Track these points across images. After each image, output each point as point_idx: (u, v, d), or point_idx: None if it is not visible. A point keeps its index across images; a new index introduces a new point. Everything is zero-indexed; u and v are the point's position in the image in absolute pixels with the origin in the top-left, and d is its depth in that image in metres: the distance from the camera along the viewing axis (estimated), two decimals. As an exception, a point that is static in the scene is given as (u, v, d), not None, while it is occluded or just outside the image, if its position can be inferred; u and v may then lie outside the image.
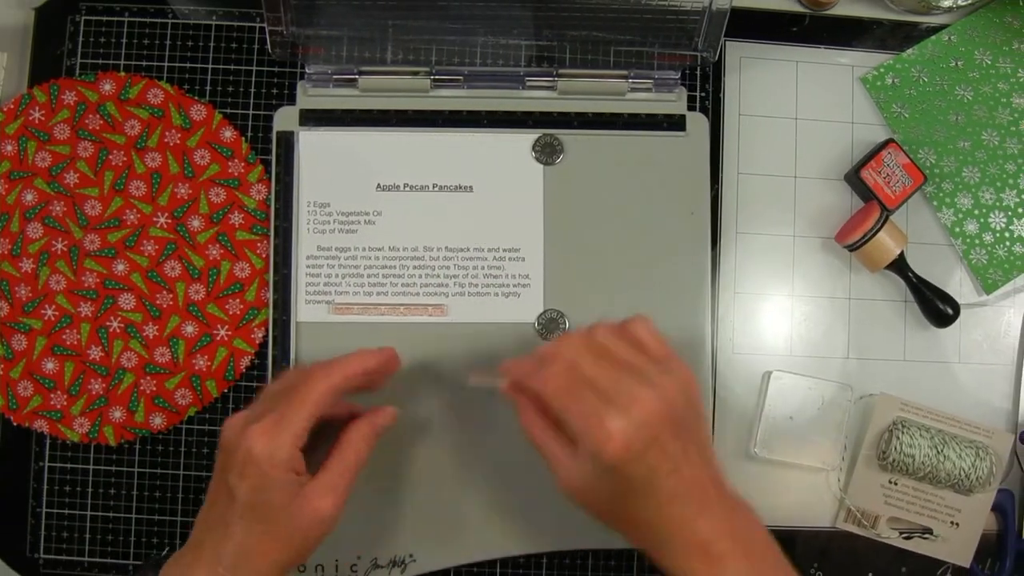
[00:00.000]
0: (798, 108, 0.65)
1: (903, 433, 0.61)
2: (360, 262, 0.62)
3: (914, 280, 0.63)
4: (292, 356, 0.61)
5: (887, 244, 0.61)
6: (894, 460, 0.61)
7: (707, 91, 0.65)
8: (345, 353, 0.54)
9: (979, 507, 0.62)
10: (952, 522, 0.62)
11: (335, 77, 0.62)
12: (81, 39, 0.64)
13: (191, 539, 0.50)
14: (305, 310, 0.61)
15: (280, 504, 0.49)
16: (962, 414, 0.63)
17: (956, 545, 0.62)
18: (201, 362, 0.61)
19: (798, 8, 0.66)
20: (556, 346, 0.51)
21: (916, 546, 0.62)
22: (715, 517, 0.49)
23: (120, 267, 0.62)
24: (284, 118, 0.62)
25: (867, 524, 0.62)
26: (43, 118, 0.62)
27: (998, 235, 0.65)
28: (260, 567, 0.49)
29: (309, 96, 0.62)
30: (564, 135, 0.62)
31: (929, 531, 0.62)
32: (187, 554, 0.50)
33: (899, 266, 0.62)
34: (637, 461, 0.47)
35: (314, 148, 0.62)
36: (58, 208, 0.62)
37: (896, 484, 0.62)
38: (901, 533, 0.62)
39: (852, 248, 0.62)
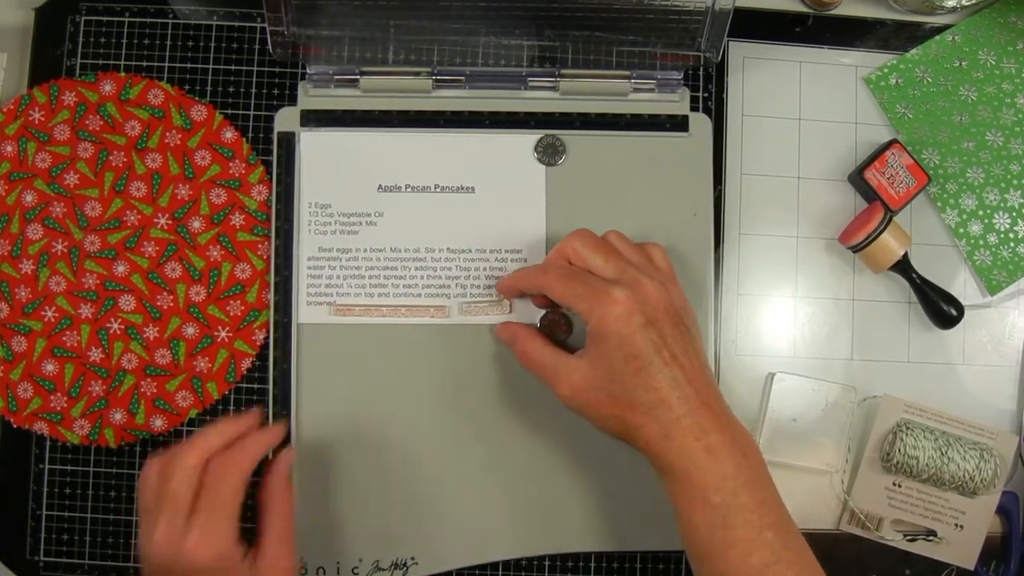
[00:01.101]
0: (801, 108, 0.65)
1: (907, 435, 0.61)
2: (361, 263, 0.61)
3: (918, 281, 0.62)
4: (293, 357, 0.60)
5: (891, 245, 0.61)
6: (898, 462, 0.61)
7: (710, 91, 0.65)
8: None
9: (984, 509, 0.62)
10: (956, 524, 0.62)
11: (336, 77, 0.62)
12: (81, 39, 0.63)
13: None
14: (306, 311, 0.61)
15: None
16: (966, 416, 0.63)
17: (960, 548, 0.62)
18: (202, 364, 0.61)
19: (801, 8, 0.66)
20: (563, 241, 0.55)
21: (920, 548, 0.62)
22: (714, 413, 0.50)
23: (120, 268, 0.62)
24: (285, 119, 0.62)
25: (871, 526, 0.62)
26: (43, 119, 0.62)
27: (1002, 236, 0.64)
28: None
29: (310, 96, 0.62)
30: (566, 136, 0.62)
31: (933, 533, 0.62)
32: None
33: (903, 267, 0.62)
34: (640, 332, 0.50)
35: (315, 149, 0.62)
36: (58, 209, 0.62)
37: (900, 486, 0.62)
38: (905, 535, 0.62)
39: (856, 249, 0.62)
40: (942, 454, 0.60)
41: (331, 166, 0.62)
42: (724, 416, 0.51)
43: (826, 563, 0.62)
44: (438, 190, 0.62)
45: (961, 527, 0.62)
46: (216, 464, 0.53)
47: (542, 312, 0.61)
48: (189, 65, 0.63)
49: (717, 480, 0.49)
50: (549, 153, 0.62)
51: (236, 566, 0.52)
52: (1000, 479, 0.61)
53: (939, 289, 0.63)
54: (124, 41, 0.64)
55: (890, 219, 0.61)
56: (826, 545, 0.63)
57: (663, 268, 0.56)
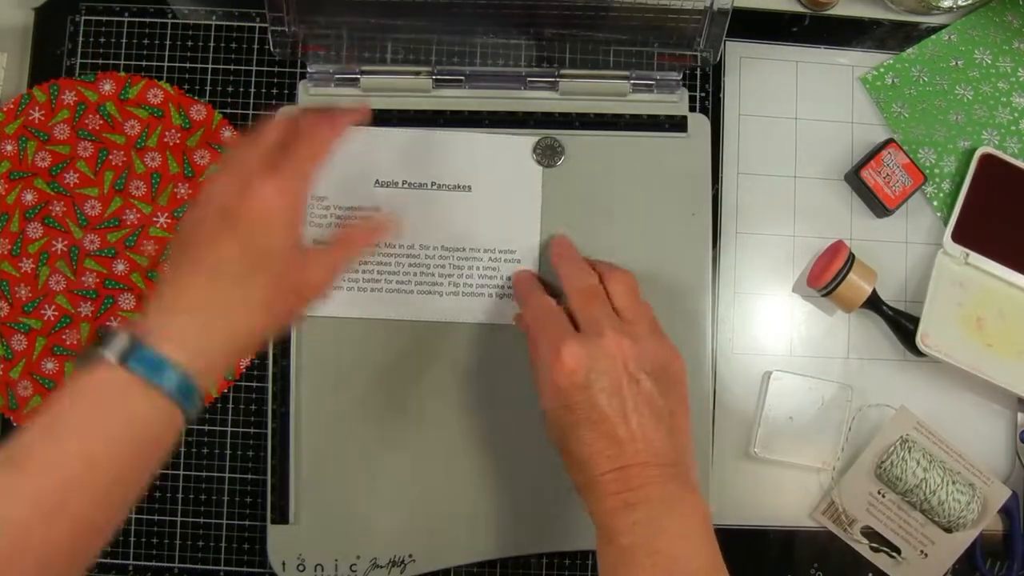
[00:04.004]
0: (798, 108, 0.65)
1: (907, 453, 0.61)
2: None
3: (890, 314, 0.63)
4: (292, 353, 0.61)
5: (859, 284, 0.61)
6: (889, 475, 0.61)
7: (707, 91, 0.65)
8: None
9: (954, 544, 0.62)
10: (922, 551, 0.62)
11: (337, 76, 0.62)
12: (81, 39, 0.63)
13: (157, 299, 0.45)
14: (304, 309, 0.61)
15: (286, 266, 0.47)
16: (968, 449, 0.62)
17: (918, 574, 0.62)
18: (201, 362, 0.61)
19: (798, 8, 0.66)
20: (564, 268, 0.56)
21: (880, 561, 0.62)
22: (646, 472, 0.48)
23: (120, 267, 0.62)
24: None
25: (844, 523, 0.62)
26: (43, 118, 0.62)
27: (998, 235, 0.65)
28: (236, 325, 0.46)
29: (311, 95, 0.62)
30: (565, 136, 0.62)
31: (898, 551, 0.62)
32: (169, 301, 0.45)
33: (873, 303, 0.62)
34: (578, 390, 0.49)
35: (314, 147, 0.62)
36: (58, 208, 0.62)
37: (883, 496, 0.62)
38: (871, 544, 0.62)
39: (825, 292, 0.62)
40: (934, 483, 0.60)
41: (329, 161, 0.62)
42: (665, 472, 0.49)
43: (822, 561, 0.63)
44: (435, 187, 0.62)
45: (926, 555, 0.62)
46: (304, 129, 0.50)
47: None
48: (188, 65, 0.64)
49: (626, 525, 0.47)
50: (548, 155, 0.62)
51: (297, 236, 0.48)
52: (979, 523, 0.61)
53: (912, 317, 0.62)
54: (124, 41, 0.64)
55: (853, 258, 0.61)
56: (822, 543, 0.63)
57: (646, 319, 0.54)
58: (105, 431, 0.42)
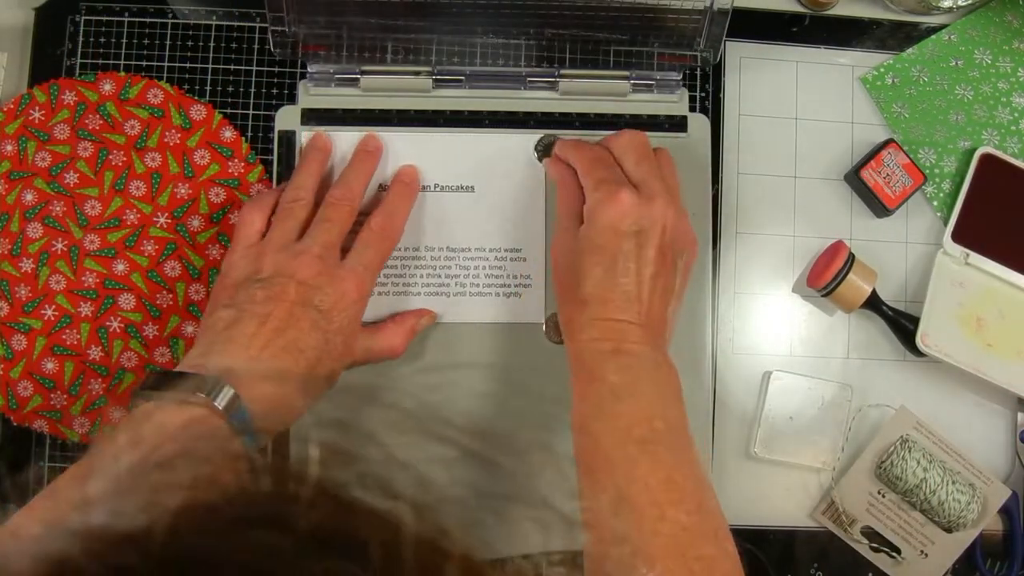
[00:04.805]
0: (798, 108, 0.65)
1: (908, 453, 0.61)
2: None
3: (890, 314, 0.63)
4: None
5: (859, 284, 0.61)
6: (889, 475, 0.61)
7: (707, 91, 0.65)
8: None
9: (953, 545, 0.62)
10: (922, 551, 0.62)
11: (337, 76, 0.62)
12: (81, 39, 0.63)
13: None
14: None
15: (352, 337, 0.56)
16: (967, 449, 0.62)
17: (917, 574, 0.62)
18: (201, 362, 0.61)
19: (798, 8, 0.66)
20: (607, 140, 0.58)
21: (880, 561, 0.62)
22: (645, 334, 0.51)
23: (120, 267, 0.62)
24: (286, 117, 0.62)
25: (844, 523, 0.62)
26: (43, 118, 0.62)
27: (998, 235, 0.65)
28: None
29: (311, 95, 0.62)
30: (565, 136, 0.62)
31: (898, 551, 0.62)
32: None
33: (873, 303, 0.62)
34: (622, 236, 0.52)
35: (315, 148, 0.62)
36: (58, 208, 0.62)
37: (884, 496, 0.62)
38: (871, 544, 0.62)
39: (825, 292, 0.62)
40: (934, 483, 0.60)
41: (331, 164, 0.62)
42: (654, 342, 0.52)
43: (822, 561, 0.63)
44: (437, 189, 0.62)
45: (926, 555, 0.62)
46: (375, 228, 0.57)
47: (542, 310, 0.61)
48: (188, 65, 0.64)
49: (616, 367, 0.50)
50: (549, 153, 0.62)
51: (361, 312, 0.56)
52: (979, 524, 0.61)
53: (912, 317, 0.63)
54: (124, 41, 0.64)
55: (853, 258, 0.61)
56: (823, 543, 0.63)
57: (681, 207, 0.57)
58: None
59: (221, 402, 0.47)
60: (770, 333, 0.64)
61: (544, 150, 0.62)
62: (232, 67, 0.64)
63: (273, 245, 0.55)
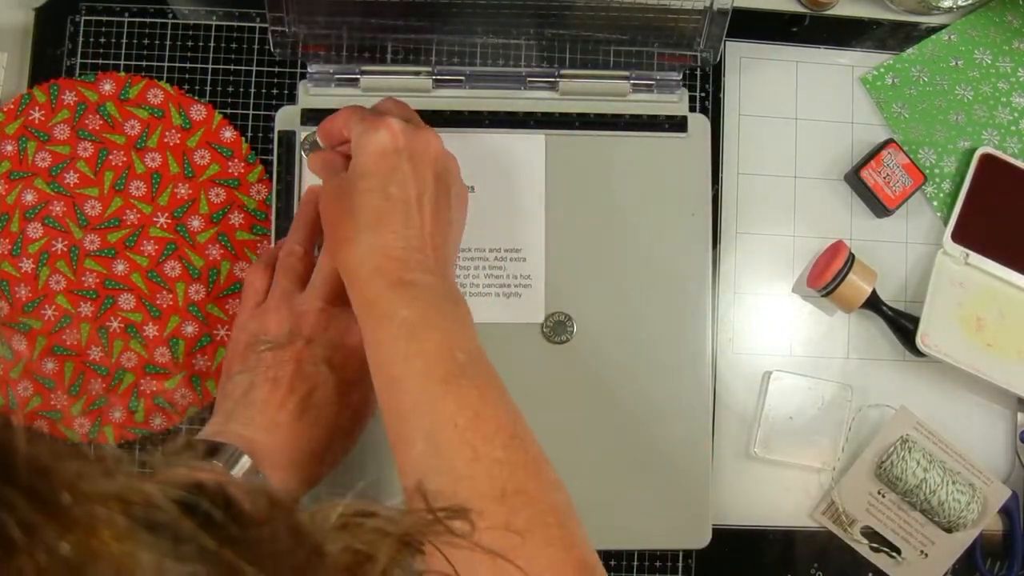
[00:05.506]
0: (798, 108, 0.66)
1: (908, 453, 0.61)
2: None
3: (890, 314, 0.63)
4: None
5: (859, 284, 0.61)
6: (889, 475, 0.61)
7: (707, 91, 0.65)
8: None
9: (954, 545, 0.62)
10: (922, 551, 0.62)
11: (337, 77, 0.62)
12: (81, 39, 0.63)
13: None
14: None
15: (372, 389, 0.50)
16: (967, 449, 0.62)
17: (918, 574, 0.62)
18: (201, 362, 0.61)
19: (798, 8, 0.66)
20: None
21: (880, 561, 0.62)
22: (426, 259, 0.50)
23: (120, 267, 0.62)
24: (286, 117, 0.62)
25: (844, 523, 0.62)
26: (43, 118, 0.62)
27: (998, 235, 0.65)
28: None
29: (311, 95, 0.62)
30: (566, 136, 0.62)
31: (898, 551, 0.62)
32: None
33: (873, 303, 0.62)
34: (390, 158, 0.50)
35: (315, 148, 0.62)
36: (58, 208, 0.62)
37: (884, 496, 0.62)
38: (870, 544, 0.62)
39: (825, 292, 0.62)
40: (934, 483, 0.60)
41: None
42: (441, 271, 0.50)
43: (822, 561, 0.63)
44: (437, 189, 0.62)
45: (926, 555, 0.62)
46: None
47: (542, 310, 0.61)
48: (188, 65, 0.64)
49: (406, 299, 0.47)
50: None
51: None
52: (979, 524, 0.61)
53: (912, 317, 0.63)
54: (124, 41, 0.64)
55: (853, 258, 0.61)
56: (822, 543, 0.63)
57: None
58: None
59: (239, 471, 0.46)
60: (770, 333, 0.64)
61: (310, 147, 0.61)
62: (232, 67, 0.64)
63: (275, 303, 0.55)
